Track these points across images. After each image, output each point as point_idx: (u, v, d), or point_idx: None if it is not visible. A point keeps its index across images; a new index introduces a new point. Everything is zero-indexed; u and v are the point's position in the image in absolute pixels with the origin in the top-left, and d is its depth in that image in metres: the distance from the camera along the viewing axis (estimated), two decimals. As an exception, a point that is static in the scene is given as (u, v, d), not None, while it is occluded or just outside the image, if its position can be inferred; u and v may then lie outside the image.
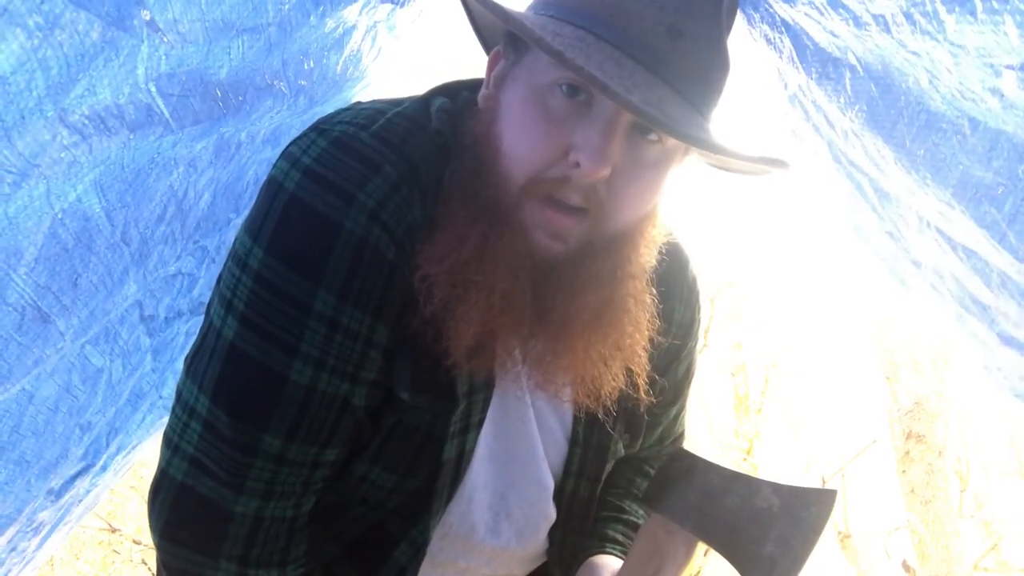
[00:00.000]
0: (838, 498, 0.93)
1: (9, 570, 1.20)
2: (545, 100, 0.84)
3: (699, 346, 1.23)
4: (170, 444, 0.89)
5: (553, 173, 0.84)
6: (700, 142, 0.79)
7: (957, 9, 0.70)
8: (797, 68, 1.10)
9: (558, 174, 0.83)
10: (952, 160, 0.85)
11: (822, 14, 0.92)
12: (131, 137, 0.87)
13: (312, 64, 1.14)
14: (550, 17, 0.84)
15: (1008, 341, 1.02)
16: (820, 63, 1.03)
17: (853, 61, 0.95)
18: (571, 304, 0.88)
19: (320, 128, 0.87)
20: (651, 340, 0.97)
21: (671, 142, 0.86)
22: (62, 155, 0.79)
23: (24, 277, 0.84)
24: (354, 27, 1.17)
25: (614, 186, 0.84)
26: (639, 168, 0.85)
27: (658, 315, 0.97)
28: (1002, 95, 0.73)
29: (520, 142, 0.85)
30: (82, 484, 1.28)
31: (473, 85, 1.00)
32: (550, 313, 0.89)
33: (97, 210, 0.90)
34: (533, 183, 0.84)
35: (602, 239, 0.87)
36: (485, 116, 0.90)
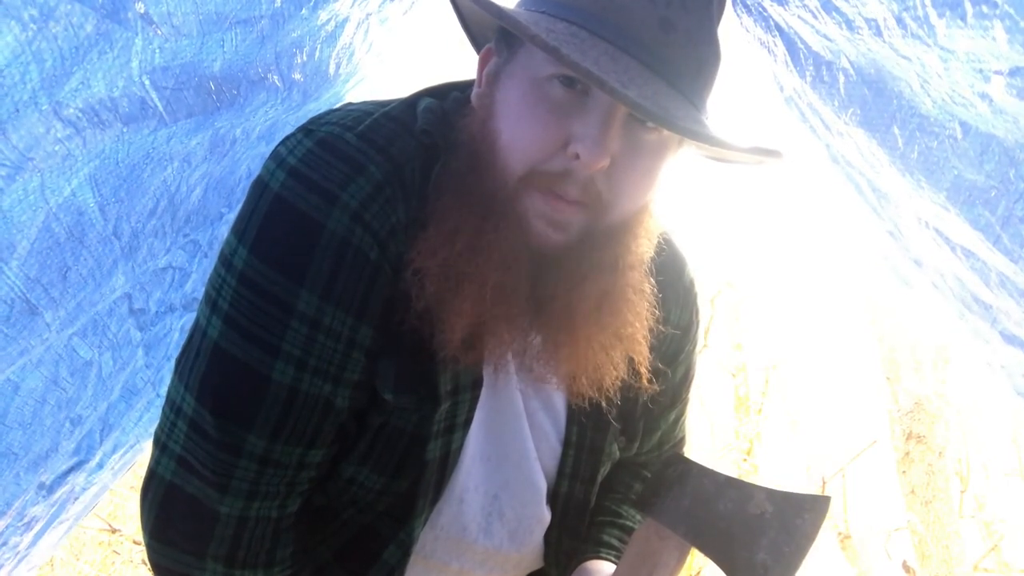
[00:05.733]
0: (832, 504, 0.92)
1: (1, 565, 1.20)
2: (543, 92, 0.83)
3: (698, 349, 1.22)
4: (159, 443, 0.89)
5: (552, 166, 0.83)
6: (696, 135, 0.78)
7: (948, 14, 0.69)
8: (791, 71, 1.10)
9: (557, 167, 0.83)
10: (945, 163, 0.85)
11: (815, 17, 0.92)
12: (125, 130, 0.87)
13: (305, 57, 1.13)
14: (542, 13, 0.84)
15: (1010, 340, 1.01)
16: (814, 66, 1.03)
17: (846, 64, 0.95)
18: (572, 294, 0.88)
19: (307, 129, 0.87)
20: (651, 330, 0.96)
21: (667, 131, 0.85)
22: (56, 148, 0.78)
23: (15, 270, 0.83)
24: (347, 20, 1.17)
25: (613, 175, 0.84)
26: (637, 156, 0.85)
27: (657, 308, 0.97)
28: (991, 100, 0.72)
29: (520, 134, 0.84)
30: (76, 480, 1.27)
31: (463, 86, 0.99)
32: (551, 304, 0.88)
33: (91, 204, 0.89)
34: (532, 175, 0.84)
35: (603, 229, 0.87)
36: (480, 113, 0.90)
